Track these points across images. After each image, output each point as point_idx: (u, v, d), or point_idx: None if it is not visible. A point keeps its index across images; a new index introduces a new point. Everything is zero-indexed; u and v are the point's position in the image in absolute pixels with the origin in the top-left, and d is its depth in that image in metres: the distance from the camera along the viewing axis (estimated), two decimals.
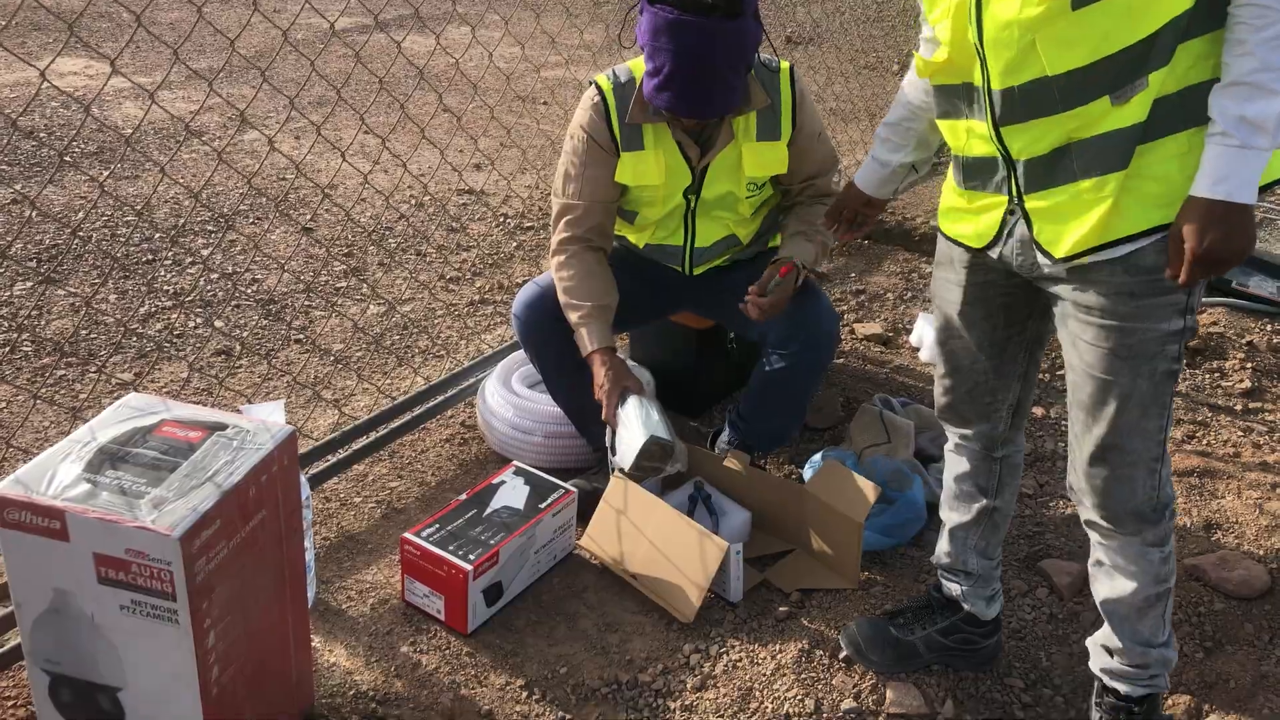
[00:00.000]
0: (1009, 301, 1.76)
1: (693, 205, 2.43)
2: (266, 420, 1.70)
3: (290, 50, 5.98)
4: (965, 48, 1.56)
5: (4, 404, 2.78)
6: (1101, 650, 1.85)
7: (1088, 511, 1.72)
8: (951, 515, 1.99)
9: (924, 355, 3.19)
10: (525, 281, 3.68)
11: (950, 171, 1.76)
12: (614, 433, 2.31)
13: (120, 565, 1.48)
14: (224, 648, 1.59)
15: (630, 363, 2.38)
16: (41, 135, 4.80)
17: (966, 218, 1.72)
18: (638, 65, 2.34)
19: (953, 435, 1.95)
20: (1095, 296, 1.56)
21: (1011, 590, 2.29)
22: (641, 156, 2.35)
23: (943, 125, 1.72)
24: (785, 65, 2.37)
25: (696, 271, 2.57)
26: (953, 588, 2.04)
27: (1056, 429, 2.88)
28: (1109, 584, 1.77)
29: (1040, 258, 1.60)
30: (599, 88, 2.35)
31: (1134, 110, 1.44)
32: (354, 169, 3.04)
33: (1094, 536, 1.77)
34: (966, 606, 2.02)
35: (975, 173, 1.67)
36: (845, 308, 3.56)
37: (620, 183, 2.38)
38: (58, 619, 1.55)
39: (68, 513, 1.46)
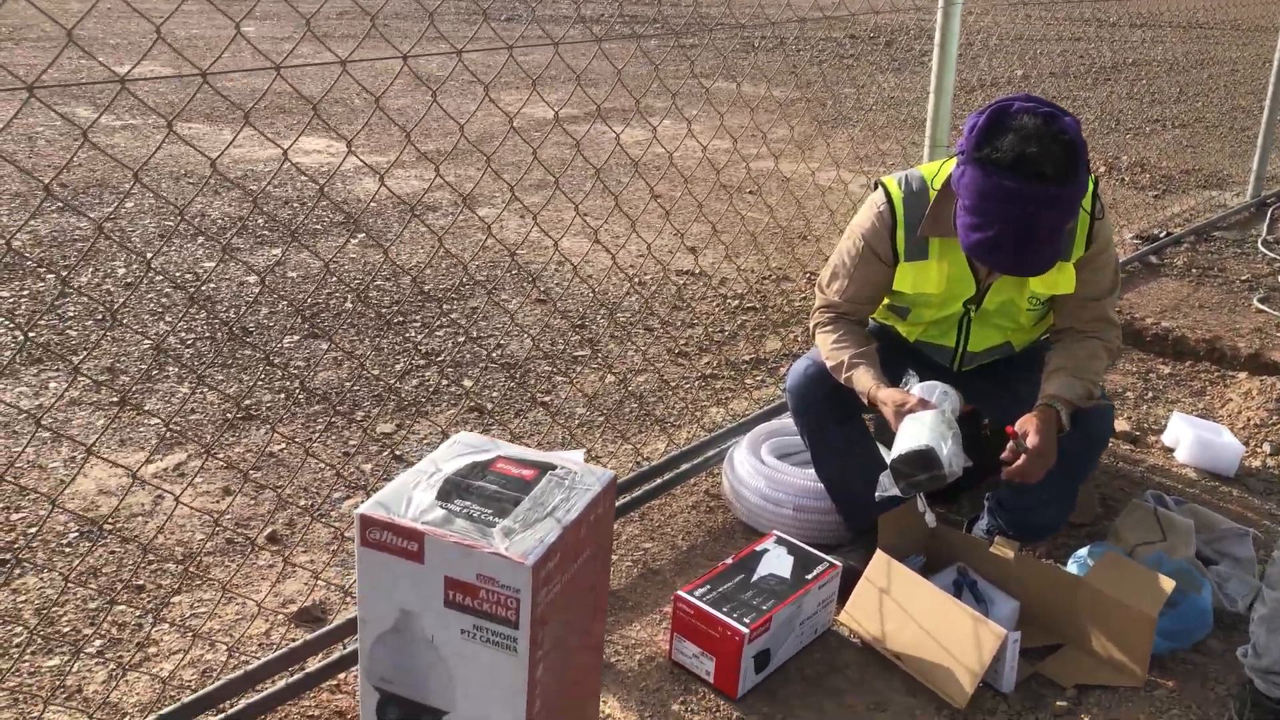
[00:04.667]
0: None
1: (971, 313, 2.40)
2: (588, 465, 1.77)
3: (509, 137, 6.32)
4: None
5: (283, 445, 2.97)
6: None
7: None
8: None
9: (1181, 456, 3.06)
10: (751, 360, 3.75)
11: None
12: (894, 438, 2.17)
13: (469, 590, 1.55)
14: (547, 681, 1.64)
15: (938, 384, 2.26)
16: (295, 205, 5.19)
17: None
18: (930, 171, 2.30)
19: None
20: None
21: None
22: (924, 267, 2.30)
23: None
24: (1090, 183, 2.21)
25: (964, 370, 2.54)
26: None
27: None
28: None
29: None
30: (888, 195, 2.29)
31: None
32: (605, 249, 3.16)
33: None
34: None
35: None
36: None
37: (896, 289, 2.36)
38: (399, 639, 1.63)
39: (427, 535, 1.55)
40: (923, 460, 2.08)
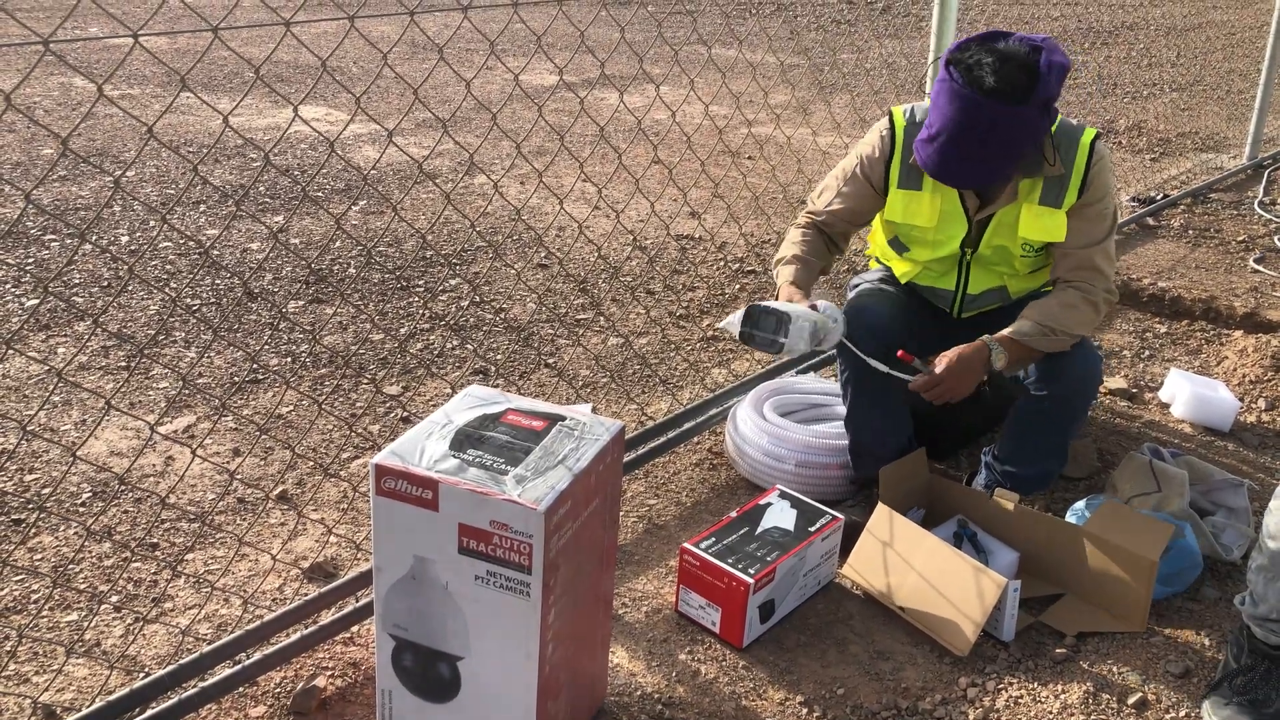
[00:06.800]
0: None
1: (969, 257, 2.44)
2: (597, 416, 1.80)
3: (508, 103, 6.33)
4: None
5: (291, 407, 3.01)
6: None
7: None
8: None
9: (1177, 411, 3.10)
10: None
11: None
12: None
13: (483, 536, 1.58)
14: (559, 626, 1.68)
15: (826, 304, 2.36)
16: (295, 173, 5.19)
17: None
18: None
19: None
20: None
21: None
22: (916, 197, 2.37)
23: None
24: (1089, 135, 2.28)
25: (965, 315, 2.57)
26: None
27: None
28: None
29: None
30: (892, 121, 2.39)
31: None
32: (610, 209, 3.18)
33: None
34: None
35: None
36: None
37: (888, 218, 2.44)
38: (414, 586, 1.67)
39: (441, 483, 1.58)
40: (776, 320, 2.20)
